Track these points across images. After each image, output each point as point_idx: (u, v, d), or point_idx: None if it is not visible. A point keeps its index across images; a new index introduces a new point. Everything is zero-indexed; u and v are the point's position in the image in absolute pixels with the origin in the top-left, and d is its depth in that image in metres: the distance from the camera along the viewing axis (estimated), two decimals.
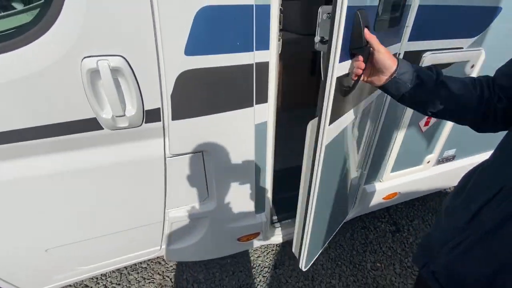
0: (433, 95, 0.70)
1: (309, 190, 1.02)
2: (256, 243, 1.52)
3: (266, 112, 1.09)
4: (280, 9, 0.95)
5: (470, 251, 0.57)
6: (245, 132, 1.10)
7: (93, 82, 0.77)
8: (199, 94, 0.94)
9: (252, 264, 1.79)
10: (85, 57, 0.73)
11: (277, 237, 1.56)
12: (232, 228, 1.37)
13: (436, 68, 0.72)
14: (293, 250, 1.28)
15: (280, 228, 1.61)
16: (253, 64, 0.96)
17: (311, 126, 0.98)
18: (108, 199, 1.06)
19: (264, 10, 0.88)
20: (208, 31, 0.84)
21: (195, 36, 0.83)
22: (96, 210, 1.07)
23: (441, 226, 0.68)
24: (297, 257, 1.23)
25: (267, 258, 1.83)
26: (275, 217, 1.65)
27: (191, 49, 0.85)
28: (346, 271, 1.76)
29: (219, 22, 0.84)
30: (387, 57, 0.73)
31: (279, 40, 1.00)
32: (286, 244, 1.84)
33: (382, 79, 0.76)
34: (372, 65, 0.77)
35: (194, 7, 0.79)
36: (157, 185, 1.10)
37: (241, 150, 1.14)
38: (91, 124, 0.86)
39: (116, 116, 0.85)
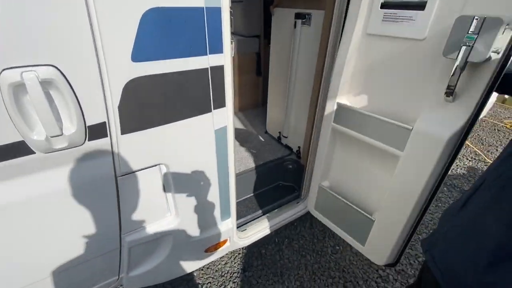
0: None
1: None
2: (224, 250, 1.48)
3: (225, 117, 1.07)
4: (230, 11, 0.93)
5: (456, 238, 0.61)
6: (205, 139, 1.05)
7: (17, 98, 0.63)
8: (152, 103, 0.86)
9: (220, 273, 1.74)
10: (4, 69, 0.59)
11: (245, 241, 1.55)
12: (199, 241, 1.30)
13: None
14: None
15: (246, 230, 1.60)
16: (208, 68, 0.92)
17: None
18: (49, 233, 0.89)
19: (215, 13, 0.86)
20: (158, 35, 0.77)
21: (143, 41, 0.75)
22: (36, 248, 0.89)
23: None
24: None
25: (235, 263, 1.80)
26: (240, 221, 1.64)
27: (139, 54, 0.77)
28: (310, 260, 1.85)
29: (168, 25, 0.78)
30: None
31: (231, 43, 0.99)
32: (252, 246, 1.85)
33: None
34: None
35: (139, 9, 0.72)
36: (108, 209, 0.97)
37: (202, 158, 1.09)
38: (19, 149, 0.70)
39: (52, 137, 0.71)
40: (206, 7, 0.82)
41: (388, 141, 1.13)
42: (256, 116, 2.61)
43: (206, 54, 0.89)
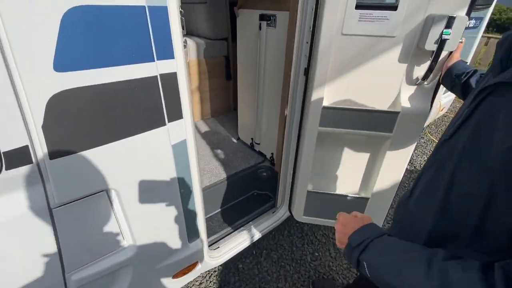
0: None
1: None
2: (196, 272, 1.35)
3: (183, 129, 0.95)
4: (181, 11, 0.82)
5: (406, 226, 0.67)
6: (160, 156, 0.93)
7: None
8: (87, 120, 0.72)
9: None
10: None
11: (218, 260, 1.44)
12: (165, 267, 1.16)
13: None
14: None
15: (219, 248, 1.48)
16: (157, 76, 0.80)
17: None
18: None
19: (160, 12, 0.74)
20: (87, 39, 0.64)
21: (68, 46, 0.62)
22: None
23: None
24: None
25: (210, 283, 1.67)
26: (212, 238, 1.52)
27: (64, 63, 0.63)
28: (290, 270, 1.78)
29: (100, 27, 0.65)
30: None
31: (184, 47, 0.88)
32: (228, 261, 1.73)
33: None
34: None
35: (57, 8, 0.58)
36: (45, 247, 0.81)
37: (159, 177, 0.96)
38: None
39: None
40: (148, 6, 0.71)
41: (378, 128, 1.25)
42: (228, 122, 2.50)
43: (153, 60, 0.77)
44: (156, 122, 0.85)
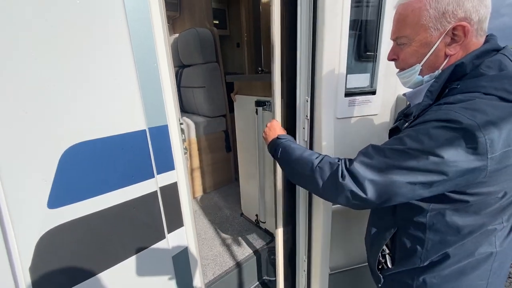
0: None
1: None
2: None
3: (184, 238, 0.88)
4: (181, 123, 0.85)
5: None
6: (159, 270, 0.84)
7: None
8: (82, 251, 0.66)
9: None
10: None
11: None
12: None
13: None
14: None
15: None
16: (156, 190, 0.77)
17: None
18: None
19: (161, 131, 0.76)
20: (86, 171, 0.63)
21: (64, 182, 0.60)
22: None
23: None
24: None
25: None
26: None
27: (59, 198, 0.60)
28: None
29: (99, 158, 0.65)
30: None
31: (185, 153, 0.88)
32: None
33: None
34: None
35: (56, 148, 0.59)
36: None
37: None
38: None
39: None
40: (149, 128, 0.72)
41: None
42: (231, 195, 2.43)
43: (153, 176, 0.76)
44: (155, 236, 0.79)
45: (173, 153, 0.80)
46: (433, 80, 0.60)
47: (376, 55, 1.18)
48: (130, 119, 0.69)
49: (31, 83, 0.54)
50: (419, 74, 0.65)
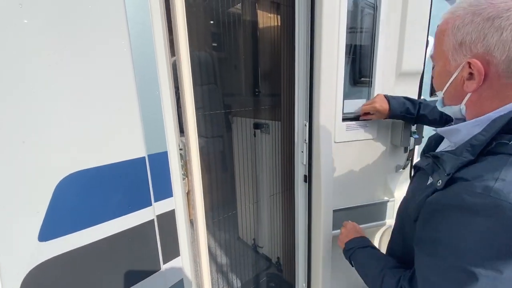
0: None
1: None
2: None
3: (180, 268, 0.84)
4: (180, 148, 0.84)
5: None
6: None
7: None
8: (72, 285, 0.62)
9: None
10: None
11: None
12: None
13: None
14: None
15: None
16: (153, 219, 0.75)
17: None
18: None
19: (161, 158, 0.74)
20: (79, 202, 0.61)
21: (58, 214, 0.58)
22: None
23: None
24: None
25: None
26: None
27: (51, 231, 0.58)
28: None
29: (96, 187, 0.63)
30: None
31: (183, 179, 0.86)
32: None
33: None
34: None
35: (51, 178, 0.57)
36: None
37: None
38: None
39: None
40: (148, 155, 0.71)
41: (381, 218, 1.34)
42: (227, 218, 2.37)
43: (151, 205, 0.73)
44: (149, 268, 0.76)
45: (172, 179, 0.78)
46: (478, 131, 0.49)
47: (371, 80, 1.21)
48: (130, 147, 0.68)
49: (26, 111, 0.53)
50: (442, 103, 0.60)
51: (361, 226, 1.31)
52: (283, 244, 1.59)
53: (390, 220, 1.34)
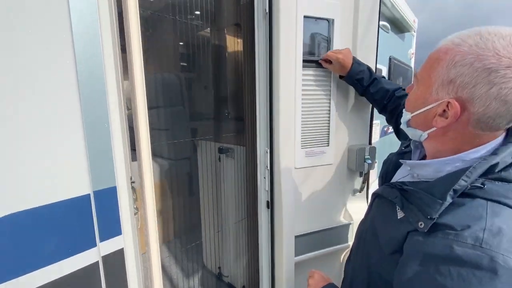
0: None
1: None
2: None
3: None
4: (133, 181, 0.80)
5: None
6: None
7: None
8: None
9: None
10: None
11: None
12: None
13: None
14: None
15: None
16: (98, 261, 0.69)
17: None
18: None
19: (108, 194, 0.70)
20: (11, 248, 0.54)
21: None
22: None
23: None
24: None
25: None
26: None
27: None
28: None
29: (32, 231, 0.57)
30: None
31: (135, 214, 0.82)
32: None
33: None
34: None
35: None
36: None
37: None
38: None
39: None
40: (94, 192, 0.67)
41: (341, 241, 1.38)
42: (192, 247, 2.26)
43: (95, 245, 0.68)
44: None
45: (121, 216, 0.74)
46: (461, 176, 0.49)
47: (330, 109, 1.28)
48: (72, 183, 0.63)
49: None
50: (407, 123, 0.61)
51: (324, 250, 1.37)
52: (248, 271, 1.55)
53: (351, 242, 1.38)
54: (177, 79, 2.39)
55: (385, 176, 0.76)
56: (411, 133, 0.61)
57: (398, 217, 0.58)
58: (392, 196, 0.61)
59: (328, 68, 1.20)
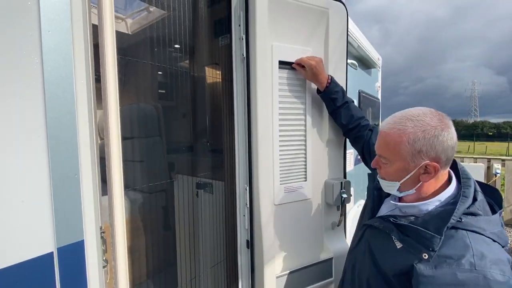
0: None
1: None
2: None
3: None
4: (103, 231, 0.75)
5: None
6: None
7: None
8: None
9: None
10: None
11: None
12: None
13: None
14: None
15: None
16: None
17: None
18: None
19: (74, 249, 0.64)
20: None
21: None
22: None
23: None
24: None
25: None
26: None
27: None
28: None
29: None
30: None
31: (104, 267, 0.75)
32: None
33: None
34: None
35: None
36: None
37: None
38: None
39: None
40: (58, 249, 0.61)
41: (323, 277, 1.35)
42: (167, 283, 2.09)
43: None
44: None
45: (87, 271, 0.67)
46: (451, 216, 0.66)
47: (306, 145, 1.31)
48: (31, 242, 0.57)
49: None
50: (398, 190, 0.78)
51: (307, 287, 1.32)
52: None
53: (331, 278, 1.36)
54: (155, 110, 2.36)
55: (372, 210, 0.91)
56: (397, 194, 0.80)
57: (397, 247, 0.73)
58: (388, 229, 0.77)
59: (301, 72, 1.23)
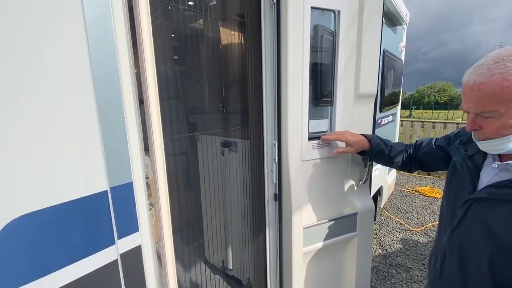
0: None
1: None
2: None
3: None
4: (147, 177, 0.77)
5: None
6: None
7: None
8: None
9: None
10: None
11: None
12: None
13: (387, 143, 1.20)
14: None
15: None
16: (117, 259, 0.67)
17: None
18: None
19: (125, 190, 0.68)
20: (29, 250, 0.51)
21: (1, 266, 0.48)
22: None
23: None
24: None
25: None
26: None
27: None
28: None
29: (49, 231, 0.54)
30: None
31: (150, 209, 0.79)
32: None
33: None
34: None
35: None
36: None
37: None
38: None
39: None
40: (111, 188, 0.64)
41: (347, 230, 1.40)
42: (192, 239, 2.24)
43: (114, 243, 0.65)
44: None
45: (137, 212, 0.71)
46: None
47: (333, 100, 1.28)
48: (89, 180, 0.60)
49: None
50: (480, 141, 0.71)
51: (331, 239, 1.38)
52: (253, 264, 1.56)
53: (355, 232, 1.41)
54: (181, 72, 2.32)
55: (472, 182, 0.78)
56: (509, 150, 0.68)
57: None
58: (510, 195, 0.66)
59: (347, 152, 1.23)
